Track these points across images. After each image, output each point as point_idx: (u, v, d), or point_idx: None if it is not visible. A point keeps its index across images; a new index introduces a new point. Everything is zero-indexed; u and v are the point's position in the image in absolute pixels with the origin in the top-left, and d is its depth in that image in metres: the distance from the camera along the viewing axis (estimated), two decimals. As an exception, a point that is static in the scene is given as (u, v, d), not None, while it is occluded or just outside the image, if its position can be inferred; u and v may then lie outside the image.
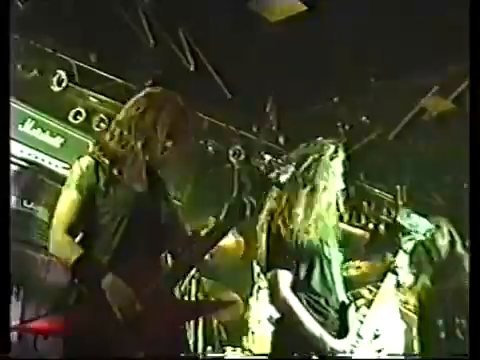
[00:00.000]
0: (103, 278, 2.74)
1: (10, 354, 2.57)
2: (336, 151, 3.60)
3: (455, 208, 5.16)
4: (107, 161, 2.99)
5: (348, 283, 3.68)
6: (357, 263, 5.63)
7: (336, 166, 3.58)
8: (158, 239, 3.00)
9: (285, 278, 3.33)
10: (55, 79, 5.32)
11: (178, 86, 5.70)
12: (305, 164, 3.53)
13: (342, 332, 3.35)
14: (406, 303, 5.17)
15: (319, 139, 3.64)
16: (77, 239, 2.89)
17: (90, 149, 3.10)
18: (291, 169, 3.23)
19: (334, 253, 3.55)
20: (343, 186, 3.60)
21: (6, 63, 2.84)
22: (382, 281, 3.65)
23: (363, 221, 6.98)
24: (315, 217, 3.46)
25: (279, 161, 3.25)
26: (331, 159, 3.56)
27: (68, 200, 2.91)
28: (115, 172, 2.97)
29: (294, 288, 3.33)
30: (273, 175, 3.21)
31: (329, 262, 3.48)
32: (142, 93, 3.17)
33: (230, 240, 5.43)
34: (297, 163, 3.47)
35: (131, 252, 2.88)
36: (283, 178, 3.23)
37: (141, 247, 2.92)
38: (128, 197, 2.95)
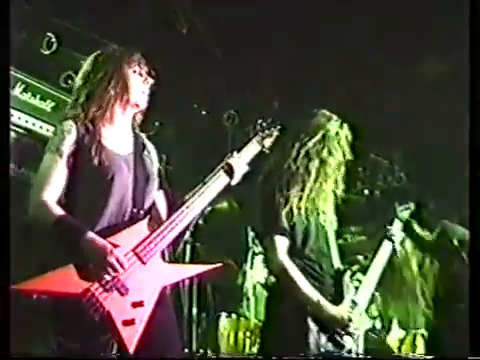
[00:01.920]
0: (82, 237, 2.70)
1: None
2: (341, 124, 3.56)
3: (453, 172, 5.13)
4: (89, 123, 2.94)
5: (344, 250, 3.67)
6: (353, 229, 5.64)
7: (339, 138, 3.54)
8: (141, 202, 2.96)
9: (281, 243, 3.31)
10: (45, 42, 5.21)
11: (171, 49, 5.69)
12: (307, 135, 3.50)
13: (337, 298, 3.35)
14: (402, 270, 5.17)
15: (323, 111, 3.60)
16: (56, 202, 2.83)
17: (71, 112, 3.00)
18: (275, 133, 3.22)
19: (329, 220, 3.53)
20: (343, 158, 3.56)
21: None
22: (378, 248, 3.65)
23: (358, 187, 6.98)
24: (313, 186, 3.44)
25: (264, 124, 3.23)
26: (336, 133, 3.52)
27: (49, 163, 2.87)
28: (96, 135, 2.93)
29: (290, 254, 3.31)
30: (258, 139, 3.20)
31: (324, 229, 3.47)
32: (103, 51, 3.11)
33: (225, 205, 5.42)
34: (300, 133, 3.45)
35: (113, 216, 2.86)
36: (267, 142, 3.22)
37: (123, 211, 2.90)
38: (110, 160, 2.91)
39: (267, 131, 3.29)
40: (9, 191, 2.81)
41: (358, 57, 6.06)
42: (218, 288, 6.11)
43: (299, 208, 3.37)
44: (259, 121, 3.32)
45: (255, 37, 5.84)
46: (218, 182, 3.09)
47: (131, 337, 2.69)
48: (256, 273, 5.50)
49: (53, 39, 5.19)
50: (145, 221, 2.91)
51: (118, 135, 3.03)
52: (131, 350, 2.67)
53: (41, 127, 4.82)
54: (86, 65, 3.07)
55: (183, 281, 5.35)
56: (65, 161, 2.87)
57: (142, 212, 2.95)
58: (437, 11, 5.29)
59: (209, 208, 4.05)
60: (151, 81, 3.09)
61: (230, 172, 3.11)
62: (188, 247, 5.15)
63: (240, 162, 3.16)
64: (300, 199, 3.39)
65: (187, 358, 2.98)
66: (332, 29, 5.74)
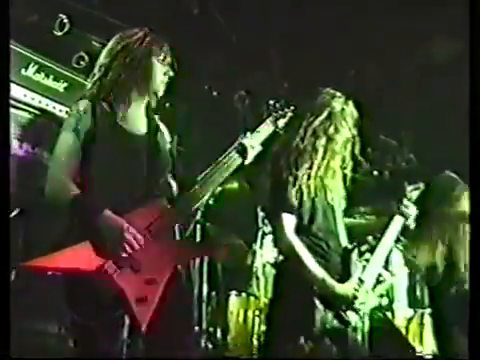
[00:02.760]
0: (99, 215, 2.74)
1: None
2: (346, 101, 3.58)
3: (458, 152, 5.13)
4: (105, 104, 2.97)
5: (352, 230, 3.70)
6: (362, 210, 5.64)
7: (345, 115, 3.57)
8: (155, 182, 3.00)
9: (289, 221, 3.35)
10: (57, 23, 5.23)
11: (183, 30, 5.70)
12: (313, 113, 3.52)
13: (344, 277, 3.39)
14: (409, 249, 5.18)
15: (327, 90, 3.62)
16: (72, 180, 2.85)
17: (88, 92, 3.04)
18: (289, 113, 3.24)
19: (338, 199, 3.56)
20: (350, 134, 3.58)
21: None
22: (388, 225, 3.66)
23: (368, 168, 6.97)
24: (321, 164, 3.47)
25: (277, 105, 3.25)
26: (342, 110, 3.55)
27: (65, 143, 2.89)
28: (113, 115, 2.96)
29: (298, 232, 3.35)
30: (271, 119, 3.22)
31: (332, 207, 3.50)
32: (131, 33, 3.09)
33: (235, 185, 5.45)
34: (306, 112, 3.48)
35: (127, 195, 2.88)
36: (281, 122, 3.24)
37: (139, 190, 2.92)
38: (125, 140, 2.95)
39: (280, 111, 3.31)
40: (9, 190, 2.77)
41: (369, 38, 6.05)
42: (228, 267, 6.16)
43: (308, 186, 3.41)
44: (272, 102, 3.33)
45: (264, 17, 5.84)
46: (231, 162, 3.10)
47: (143, 314, 2.71)
48: (266, 253, 5.53)
49: (65, 20, 5.21)
50: (159, 200, 2.93)
51: (133, 116, 3.05)
52: (143, 327, 2.69)
53: (54, 107, 4.84)
54: (111, 45, 3.08)
55: (194, 260, 5.42)
56: (81, 140, 2.89)
57: (156, 191, 2.97)
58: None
59: (219, 188, 4.10)
60: (172, 74, 3.10)
61: (243, 152, 3.13)
62: (198, 227, 5.22)
63: (253, 142, 3.17)
64: (309, 177, 3.42)
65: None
66: (341, 11, 5.73)
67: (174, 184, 3.13)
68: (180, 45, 5.65)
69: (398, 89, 6.53)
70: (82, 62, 5.42)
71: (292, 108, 3.34)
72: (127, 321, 2.78)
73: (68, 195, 2.78)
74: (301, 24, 5.91)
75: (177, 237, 3.00)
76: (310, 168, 3.45)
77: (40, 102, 4.75)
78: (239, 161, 3.13)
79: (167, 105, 6.06)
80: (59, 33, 5.21)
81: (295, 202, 3.37)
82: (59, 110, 4.83)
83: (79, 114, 2.92)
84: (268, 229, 5.40)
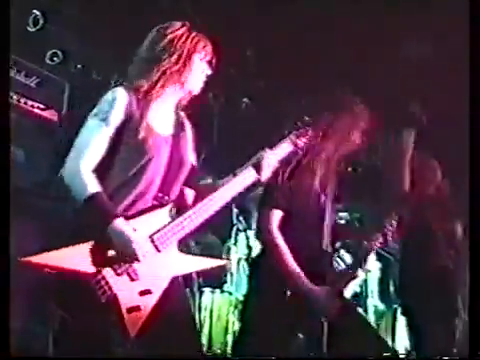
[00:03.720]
0: (111, 222, 2.64)
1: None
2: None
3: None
4: (140, 96, 2.86)
5: (337, 228, 3.72)
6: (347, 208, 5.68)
7: (344, 120, 3.58)
8: (168, 188, 2.89)
9: (275, 217, 3.36)
10: (31, 19, 5.19)
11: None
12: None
13: (321, 276, 3.38)
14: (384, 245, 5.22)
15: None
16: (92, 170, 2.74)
17: (126, 82, 2.94)
18: (310, 132, 3.19)
19: (323, 196, 3.56)
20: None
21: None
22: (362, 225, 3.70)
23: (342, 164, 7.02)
24: (312, 165, 3.49)
25: (299, 124, 3.19)
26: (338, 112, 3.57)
27: (93, 130, 2.78)
28: (144, 110, 2.84)
29: (281, 228, 3.36)
30: (292, 137, 3.15)
31: (318, 205, 3.50)
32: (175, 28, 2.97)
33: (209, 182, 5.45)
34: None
35: (140, 196, 2.80)
36: (301, 142, 3.18)
37: (150, 193, 2.83)
38: (152, 139, 2.82)
39: (301, 130, 3.21)
40: (9, 186, 2.74)
41: (348, 40, 6.07)
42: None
43: (298, 183, 3.43)
44: (295, 121, 3.22)
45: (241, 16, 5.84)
46: (246, 178, 2.99)
47: (134, 323, 2.66)
48: (240, 249, 5.56)
49: (39, 16, 5.17)
50: (168, 208, 2.85)
51: (163, 114, 2.96)
52: (133, 334, 2.63)
53: (26, 103, 4.81)
54: (153, 38, 2.97)
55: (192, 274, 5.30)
56: (110, 131, 2.78)
57: (167, 198, 2.88)
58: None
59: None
60: (209, 72, 3.02)
61: (259, 169, 3.00)
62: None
63: (271, 160, 3.05)
64: (292, 174, 3.44)
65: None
66: (335, 14, 5.75)
67: (189, 193, 3.06)
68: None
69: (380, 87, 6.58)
70: (56, 58, 5.38)
71: (310, 126, 3.22)
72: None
73: (85, 190, 2.67)
74: (280, 26, 5.91)
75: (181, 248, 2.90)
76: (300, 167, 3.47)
77: (11, 97, 4.70)
78: (254, 177, 3.01)
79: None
80: (33, 29, 5.17)
81: (281, 197, 3.38)
82: (30, 105, 4.79)
83: (113, 102, 2.80)
84: (242, 226, 5.41)
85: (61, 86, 4.97)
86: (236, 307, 5.32)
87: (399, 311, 5.01)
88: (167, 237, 2.77)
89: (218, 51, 3.06)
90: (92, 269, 2.63)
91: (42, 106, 4.75)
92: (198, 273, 6.00)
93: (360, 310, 4.37)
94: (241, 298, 5.26)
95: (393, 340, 5.15)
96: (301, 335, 3.28)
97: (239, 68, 6.18)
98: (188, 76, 2.94)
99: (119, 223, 2.65)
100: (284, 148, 3.14)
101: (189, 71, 2.93)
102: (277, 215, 3.38)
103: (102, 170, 2.75)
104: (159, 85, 2.88)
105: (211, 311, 5.61)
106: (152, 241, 2.74)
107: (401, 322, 4.96)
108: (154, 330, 2.68)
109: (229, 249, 5.66)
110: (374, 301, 5.44)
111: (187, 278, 5.28)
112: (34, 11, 5.14)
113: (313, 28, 5.78)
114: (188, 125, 3.09)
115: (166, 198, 2.87)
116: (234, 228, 5.66)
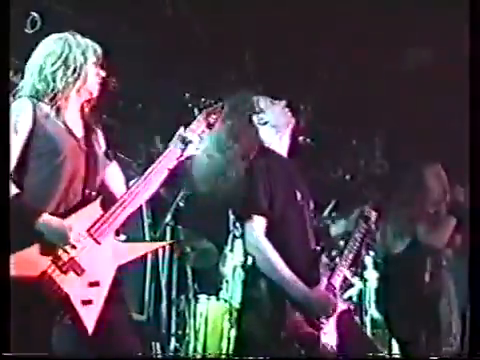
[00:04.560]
0: (38, 219, 2.76)
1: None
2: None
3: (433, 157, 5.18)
4: (44, 104, 3.01)
5: (324, 233, 3.70)
6: (333, 214, 5.65)
7: None
8: (92, 183, 3.03)
9: (259, 224, 3.33)
10: (28, 21, 5.16)
11: (155, 32, 5.67)
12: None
13: (314, 280, 3.38)
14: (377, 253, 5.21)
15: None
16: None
17: (26, 91, 3.08)
18: (219, 109, 3.26)
19: (306, 199, 3.55)
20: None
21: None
22: (354, 229, 3.68)
23: (340, 173, 7.03)
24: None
25: (208, 102, 3.27)
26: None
27: None
28: (51, 115, 2.99)
29: (268, 234, 3.33)
30: (203, 115, 3.24)
31: (301, 208, 3.48)
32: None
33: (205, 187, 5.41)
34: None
35: (64, 196, 2.91)
36: (212, 118, 3.26)
37: (75, 192, 2.95)
38: (63, 141, 2.97)
39: (211, 108, 3.34)
40: (8, 186, 2.79)
41: (343, 45, 6.06)
42: (198, 271, 6.13)
43: (277, 187, 3.41)
44: (202, 99, 3.39)
45: (240, 21, 5.83)
46: (170, 157, 3.15)
47: (89, 317, 2.75)
48: (236, 256, 5.51)
49: (37, 18, 5.15)
50: (97, 201, 2.97)
51: (70, 116, 3.08)
52: (90, 331, 2.73)
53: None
54: (41, 46, 3.17)
55: (163, 263, 5.38)
56: (19, 138, 2.89)
57: (94, 193, 3.01)
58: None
59: (188, 191, 4.06)
60: (103, 74, 3.16)
61: (184, 144, 3.17)
62: (168, 229, 5.18)
63: (190, 135, 3.21)
64: (279, 179, 3.42)
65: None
66: (321, 17, 5.74)
67: (112, 185, 3.19)
68: (151, 47, 5.69)
69: (372, 94, 6.57)
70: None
71: (221, 104, 3.36)
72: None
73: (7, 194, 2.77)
74: (278, 30, 5.91)
75: (120, 237, 3.02)
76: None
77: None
78: (177, 154, 3.17)
79: (139, 106, 6.06)
80: (30, 31, 5.14)
81: (265, 204, 3.36)
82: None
83: (19, 112, 2.93)
84: (238, 232, 5.36)
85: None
86: (231, 314, 5.27)
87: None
88: (104, 228, 2.90)
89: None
90: (38, 271, 2.72)
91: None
92: (194, 280, 5.99)
93: (357, 319, 4.35)
94: (237, 306, 5.21)
95: (390, 350, 5.10)
96: (297, 345, 3.24)
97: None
98: (85, 81, 3.09)
99: (46, 217, 2.77)
100: (198, 125, 3.26)
101: (85, 79, 3.09)
102: (260, 222, 3.35)
103: (19, 178, 2.88)
104: (60, 94, 3.03)
105: (206, 318, 5.57)
106: (90, 235, 2.87)
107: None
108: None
109: (225, 256, 5.61)
110: (370, 311, 5.41)
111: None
112: (32, 13, 5.11)
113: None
114: (97, 128, 3.22)
115: (92, 193, 3.00)
116: (231, 234, 5.61)
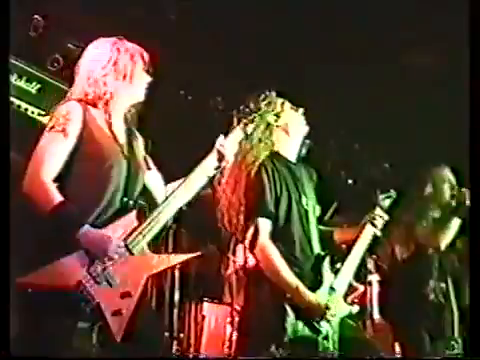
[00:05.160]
0: (80, 229, 2.74)
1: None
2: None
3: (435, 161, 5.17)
4: (93, 108, 2.98)
5: (328, 238, 3.69)
6: (337, 218, 5.64)
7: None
8: (132, 192, 3.01)
9: (265, 226, 3.33)
10: (32, 24, 5.18)
11: (160, 35, 5.67)
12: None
13: (316, 284, 3.37)
14: (380, 257, 5.19)
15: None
16: (55, 185, 2.82)
17: (75, 95, 3.05)
18: (257, 118, 3.25)
19: (311, 205, 3.56)
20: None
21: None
22: (359, 234, 3.66)
23: (343, 177, 7.02)
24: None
25: (246, 110, 3.25)
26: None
27: (51, 142, 2.86)
28: (99, 120, 2.97)
29: (272, 237, 3.34)
30: (241, 125, 3.22)
31: (306, 213, 3.49)
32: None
33: (209, 191, 5.41)
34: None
35: (106, 204, 2.89)
36: (250, 128, 3.24)
37: (115, 199, 2.93)
38: (110, 147, 2.95)
39: (249, 117, 3.31)
40: (9, 187, 2.77)
41: (345, 48, 6.06)
42: (201, 274, 6.13)
43: (282, 190, 3.41)
44: (241, 107, 3.33)
45: (243, 24, 5.84)
46: (207, 168, 3.12)
47: (118, 326, 2.77)
48: (239, 259, 5.51)
49: (40, 21, 5.16)
50: (134, 212, 2.95)
51: (115, 124, 3.06)
52: (118, 339, 2.75)
53: (26, 109, 4.80)
54: (91, 49, 3.12)
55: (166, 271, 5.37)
56: (69, 142, 2.87)
57: (132, 202, 2.99)
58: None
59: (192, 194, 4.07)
60: (149, 79, 3.14)
61: (219, 156, 3.14)
62: (171, 233, 5.17)
63: (227, 147, 3.17)
64: (282, 182, 3.43)
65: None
66: (322, 20, 5.75)
67: (153, 193, 3.18)
68: (157, 50, 5.69)
69: (376, 98, 6.57)
70: (57, 64, 5.37)
71: (260, 113, 3.34)
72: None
73: (49, 201, 2.75)
74: (280, 32, 5.91)
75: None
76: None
77: (12, 103, 4.70)
78: (214, 165, 3.14)
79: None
80: (34, 34, 5.16)
81: (272, 207, 3.36)
82: (31, 111, 4.78)
83: (69, 115, 2.90)
84: (241, 235, 5.36)
85: (62, 92, 4.97)
86: (234, 318, 5.27)
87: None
88: (139, 239, 2.88)
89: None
90: (73, 281, 2.72)
91: (43, 112, 4.74)
92: (197, 284, 6.00)
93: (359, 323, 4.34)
94: (239, 309, 5.22)
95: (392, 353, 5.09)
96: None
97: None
98: (132, 85, 3.08)
99: (87, 229, 2.75)
100: (236, 136, 3.24)
101: (132, 84, 3.07)
102: (265, 224, 3.36)
103: (63, 182, 2.86)
104: (107, 95, 3.02)
105: (209, 321, 5.58)
106: (126, 246, 2.85)
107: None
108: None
109: (228, 259, 5.61)
110: (374, 314, 5.41)
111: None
112: (35, 16, 5.13)
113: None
114: (138, 133, 3.21)
115: (131, 202, 2.98)
116: (233, 239, 5.61)
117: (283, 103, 3.62)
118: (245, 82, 6.18)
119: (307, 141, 3.73)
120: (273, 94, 3.57)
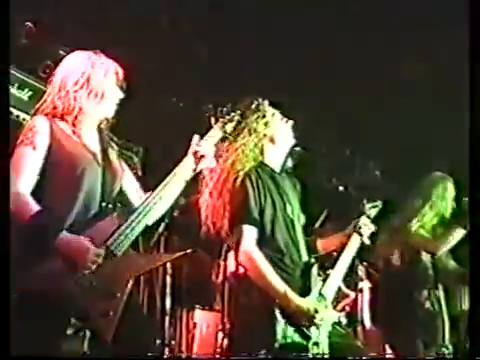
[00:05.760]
0: (58, 236, 2.78)
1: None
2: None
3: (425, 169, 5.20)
4: (60, 120, 3.03)
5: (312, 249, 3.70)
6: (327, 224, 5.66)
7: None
8: (109, 196, 3.05)
9: (250, 233, 3.34)
10: (24, 30, 5.18)
11: (152, 42, 5.68)
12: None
13: (305, 291, 3.38)
14: (371, 264, 5.21)
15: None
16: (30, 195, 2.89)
17: (42, 107, 3.11)
18: (236, 117, 3.26)
19: (296, 214, 3.57)
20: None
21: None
22: (347, 241, 3.68)
23: (333, 183, 7.02)
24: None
25: (224, 110, 3.26)
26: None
27: (23, 156, 2.92)
28: (67, 130, 3.02)
29: (259, 244, 3.35)
30: (219, 124, 3.23)
31: (292, 221, 3.50)
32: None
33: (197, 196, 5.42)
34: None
35: (83, 209, 2.93)
36: (229, 127, 3.25)
37: (92, 204, 2.97)
38: (80, 154, 3.00)
39: (228, 116, 3.32)
40: (8, 190, 2.79)
41: (339, 55, 6.09)
42: (192, 281, 6.13)
43: (267, 198, 3.43)
44: (219, 108, 3.34)
45: (236, 32, 5.86)
46: (185, 169, 3.14)
47: (107, 328, 2.79)
48: (229, 266, 5.51)
49: (32, 28, 5.16)
50: (114, 214, 2.98)
51: (86, 132, 3.10)
52: (108, 339, 2.77)
53: (18, 116, 4.80)
54: (66, 62, 3.16)
55: (157, 274, 5.37)
56: (38, 153, 2.93)
57: (110, 206, 3.02)
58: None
59: (183, 200, 4.08)
60: (122, 95, 3.17)
61: (197, 157, 3.16)
62: (162, 239, 5.17)
63: (206, 148, 3.19)
64: (266, 192, 3.44)
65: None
66: (319, 27, 5.77)
67: (131, 197, 3.21)
68: (148, 57, 5.70)
69: (367, 105, 6.59)
70: (48, 71, 5.36)
71: (239, 112, 3.35)
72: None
73: (28, 211, 2.81)
74: (274, 39, 5.93)
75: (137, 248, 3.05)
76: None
77: (11, 113, 4.69)
78: (192, 167, 3.16)
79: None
80: (25, 41, 5.16)
81: (256, 213, 3.37)
82: (22, 118, 4.77)
83: (36, 128, 2.96)
84: (232, 241, 5.36)
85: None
86: (225, 324, 5.26)
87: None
88: (121, 240, 2.91)
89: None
90: (57, 284, 2.74)
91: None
92: (188, 291, 5.99)
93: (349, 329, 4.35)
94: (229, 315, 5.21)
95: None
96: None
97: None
98: (102, 106, 3.11)
99: (65, 235, 2.79)
100: (214, 135, 3.25)
101: (102, 101, 3.10)
102: (251, 231, 3.37)
103: (39, 193, 2.90)
104: (74, 113, 3.06)
105: (200, 328, 5.57)
106: (107, 248, 2.88)
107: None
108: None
109: (219, 266, 5.61)
110: (365, 321, 5.42)
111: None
112: (27, 23, 5.13)
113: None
114: (112, 142, 3.24)
115: (109, 205, 3.01)
116: (224, 245, 5.61)
117: (274, 114, 3.64)
118: (237, 89, 6.24)
119: (298, 148, 3.73)
120: (265, 103, 3.60)
